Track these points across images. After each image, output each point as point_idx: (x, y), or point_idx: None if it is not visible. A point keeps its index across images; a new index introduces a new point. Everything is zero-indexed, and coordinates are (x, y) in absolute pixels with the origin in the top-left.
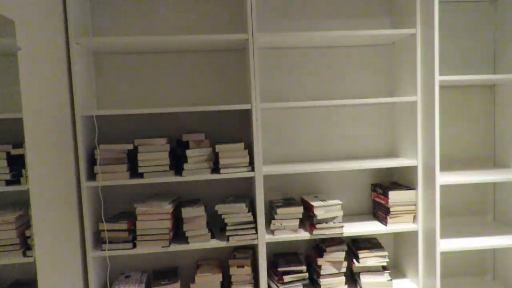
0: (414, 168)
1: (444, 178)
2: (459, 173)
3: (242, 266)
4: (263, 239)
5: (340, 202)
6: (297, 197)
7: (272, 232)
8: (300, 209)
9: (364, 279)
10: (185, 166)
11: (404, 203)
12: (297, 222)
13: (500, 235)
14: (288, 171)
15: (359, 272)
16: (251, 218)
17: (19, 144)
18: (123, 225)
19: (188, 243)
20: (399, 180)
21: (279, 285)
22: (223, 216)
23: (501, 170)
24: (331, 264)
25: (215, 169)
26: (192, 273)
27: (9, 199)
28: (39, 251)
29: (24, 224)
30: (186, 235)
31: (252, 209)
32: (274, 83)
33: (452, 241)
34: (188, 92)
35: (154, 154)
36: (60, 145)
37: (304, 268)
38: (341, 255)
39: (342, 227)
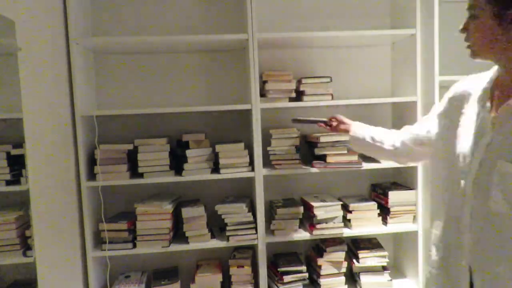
0: (414, 168)
1: None
2: None
3: (242, 266)
4: (263, 239)
5: (340, 202)
6: (297, 197)
7: (272, 232)
8: (300, 209)
9: (364, 279)
10: (185, 166)
11: (404, 203)
12: (297, 222)
13: None
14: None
15: (359, 272)
16: (251, 218)
17: (19, 144)
18: (123, 225)
19: (188, 243)
20: (399, 180)
21: (279, 285)
22: (223, 216)
23: None
24: (331, 264)
25: (215, 169)
26: (192, 273)
27: (9, 199)
28: (39, 251)
29: (24, 224)
30: (186, 235)
31: (252, 209)
32: None
33: None
34: (188, 92)
35: (154, 154)
36: (60, 145)
37: (304, 268)
38: (341, 255)
39: (342, 227)
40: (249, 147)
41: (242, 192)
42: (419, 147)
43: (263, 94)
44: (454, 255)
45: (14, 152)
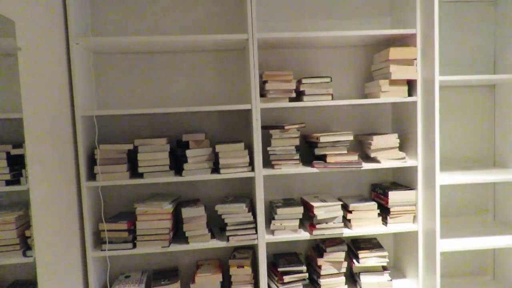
0: (414, 168)
1: (444, 178)
2: (459, 173)
3: (242, 266)
4: (263, 239)
5: (340, 202)
6: (297, 197)
7: (272, 232)
8: (300, 209)
9: (364, 279)
10: (185, 166)
11: (404, 203)
12: (297, 222)
13: (500, 235)
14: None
15: (359, 272)
16: (251, 218)
17: (19, 144)
18: (123, 225)
19: (188, 243)
20: (399, 180)
21: (279, 285)
22: (223, 216)
23: (501, 170)
24: (331, 264)
25: (215, 169)
26: (192, 273)
27: (9, 199)
28: (39, 251)
29: (24, 224)
30: (186, 235)
31: (252, 209)
32: None
33: (452, 241)
34: (188, 92)
35: (154, 154)
36: (60, 145)
37: (304, 268)
38: (341, 255)
39: (342, 227)
40: (249, 147)
41: (242, 192)
42: None
43: (263, 94)
44: None
45: (14, 152)
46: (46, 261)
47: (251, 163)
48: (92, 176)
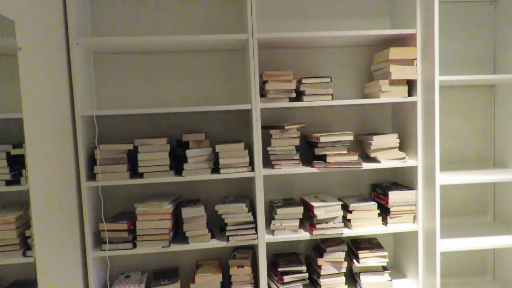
0: (414, 168)
1: (444, 178)
2: (459, 173)
3: (242, 266)
4: (263, 239)
5: (340, 202)
6: (297, 197)
7: (272, 232)
8: (300, 209)
9: (364, 279)
10: (185, 166)
11: (404, 203)
12: (297, 222)
13: (500, 235)
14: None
15: (359, 272)
16: (251, 218)
17: (19, 144)
18: (123, 225)
19: (188, 243)
20: (399, 180)
21: (279, 285)
22: (223, 216)
23: (501, 170)
24: (331, 264)
25: (215, 169)
26: (192, 273)
27: (9, 199)
28: (39, 251)
29: (24, 224)
30: (186, 235)
31: (252, 209)
32: None
33: (452, 241)
34: (188, 92)
35: (154, 154)
36: (60, 145)
37: (304, 268)
38: (341, 255)
39: (342, 227)
40: (249, 147)
41: (242, 192)
42: None
43: (263, 94)
44: None
45: (14, 152)
46: (46, 261)
47: (251, 163)
48: (92, 176)
